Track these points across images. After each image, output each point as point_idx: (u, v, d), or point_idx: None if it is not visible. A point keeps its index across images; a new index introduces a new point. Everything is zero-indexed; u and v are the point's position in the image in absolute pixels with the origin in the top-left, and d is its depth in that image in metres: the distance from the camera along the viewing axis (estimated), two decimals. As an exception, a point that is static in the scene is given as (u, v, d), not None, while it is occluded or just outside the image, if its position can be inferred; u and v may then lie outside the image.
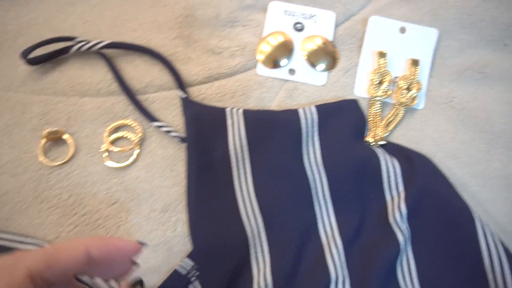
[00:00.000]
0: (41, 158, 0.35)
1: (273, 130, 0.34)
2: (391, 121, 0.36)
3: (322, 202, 0.33)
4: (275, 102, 0.37)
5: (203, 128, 0.34)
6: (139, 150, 0.35)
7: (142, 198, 0.34)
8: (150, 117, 0.35)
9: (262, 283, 0.30)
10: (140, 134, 0.35)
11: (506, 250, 0.30)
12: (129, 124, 0.36)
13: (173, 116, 0.36)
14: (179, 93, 0.36)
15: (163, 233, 0.33)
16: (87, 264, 0.19)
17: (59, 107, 0.36)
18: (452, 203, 0.31)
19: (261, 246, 0.32)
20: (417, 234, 0.32)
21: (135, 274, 0.22)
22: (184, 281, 0.31)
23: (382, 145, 0.35)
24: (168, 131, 0.35)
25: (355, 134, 0.35)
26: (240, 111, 0.35)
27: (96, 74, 0.37)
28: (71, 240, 0.20)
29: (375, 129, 0.36)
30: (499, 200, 0.34)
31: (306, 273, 0.31)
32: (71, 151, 0.35)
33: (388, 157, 0.34)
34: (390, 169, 0.33)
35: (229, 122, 0.35)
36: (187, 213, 0.32)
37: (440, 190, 0.32)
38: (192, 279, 0.32)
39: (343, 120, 0.35)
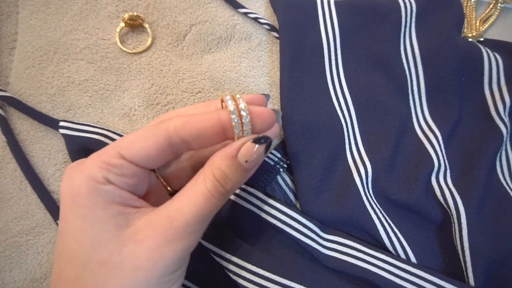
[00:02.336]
0: (120, 44, 0.33)
1: (369, 19, 0.32)
2: (487, 18, 0.34)
3: (416, 96, 0.32)
4: (364, -4, 0.35)
5: (295, 17, 0.32)
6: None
7: (227, 88, 0.32)
8: (236, 4, 0.33)
9: (362, 171, 0.29)
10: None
11: None
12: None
13: (257, 8, 0.34)
14: (266, -20, 0.34)
15: (250, 125, 0.32)
16: (219, 131, 0.21)
17: (136, -7, 0.34)
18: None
19: (355, 138, 0.31)
20: (518, 128, 0.31)
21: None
22: (273, 171, 0.30)
23: (480, 41, 0.33)
24: (256, 18, 0.33)
25: (454, 28, 0.33)
26: (332, 1, 0.33)
27: (175, -41, 0.34)
28: (207, 109, 0.23)
29: (470, 27, 0.34)
30: None
31: (407, 161, 0.30)
32: (150, 39, 0.33)
33: (489, 51, 0.32)
34: (493, 63, 0.31)
35: (320, 12, 0.33)
36: (280, 101, 0.31)
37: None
38: (281, 170, 0.31)
39: (442, 12, 0.33)
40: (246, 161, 0.21)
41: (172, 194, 0.24)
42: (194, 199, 0.20)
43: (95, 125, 0.30)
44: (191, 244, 0.20)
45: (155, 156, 0.20)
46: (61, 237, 0.20)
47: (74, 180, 0.19)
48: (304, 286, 0.25)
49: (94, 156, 0.20)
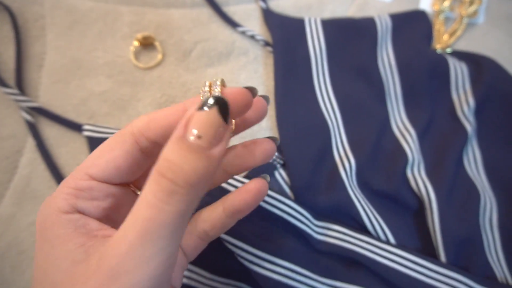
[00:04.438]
0: (134, 60, 0.38)
1: (350, 35, 0.37)
2: (454, 32, 0.39)
3: (393, 100, 0.37)
4: (347, 15, 0.40)
5: (286, 34, 0.37)
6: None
7: (229, 97, 0.37)
8: (235, 24, 0.38)
9: (347, 165, 0.34)
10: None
11: None
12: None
13: (253, 26, 0.39)
14: (261, 3, 0.39)
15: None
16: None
17: (147, 17, 0.39)
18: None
19: (340, 137, 0.35)
20: (483, 127, 0.36)
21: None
22: (271, 167, 0.35)
23: (449, 53, 0.38)
24: (253, 35, 0.38)
25: (424, 41, 0.38)
26: (318, 20, 0.38)
27: (181, -14, 0.40)
28: (171, 107, 0.18)
29: (440, 39, 0.39)
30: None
31: (385, 156, 0.34)
32: (160, 55, 0.38)
33: (456, 60, 0.37)
34: (458, 71, 0.36)
35: (307, 29, 0.38)
36: (275, 106, 0.35)
37: (506, 87, 0.35)
38: (278, 165, 0.35)
39: (414, 28, 0.38)
40: (199, 137, 0.14)
41: None
42: (135, 214, 0.15)
43: (114, 128, 0.35)
44: (153, 275, 0.15)
45: (127, 166, 0.18)
46: (35, 269, 0.18)
47: (42, 213, 0.18)
48: (302, 267, 0.29)
49: (62, 184, 0.18)
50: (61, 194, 0.17)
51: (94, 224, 0.18)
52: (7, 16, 0.38)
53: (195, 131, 0.14)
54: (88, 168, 0.18)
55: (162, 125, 0.18)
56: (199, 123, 0.14)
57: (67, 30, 0.39)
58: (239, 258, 0.29)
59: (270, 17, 0.38)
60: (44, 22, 0.39)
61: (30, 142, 0.35)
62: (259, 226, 0.31)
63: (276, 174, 0.35)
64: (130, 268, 0.14)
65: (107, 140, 0.18)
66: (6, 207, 0.34)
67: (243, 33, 0.38)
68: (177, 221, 0.15)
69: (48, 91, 0.37)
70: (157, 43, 0.38)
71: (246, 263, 0.29)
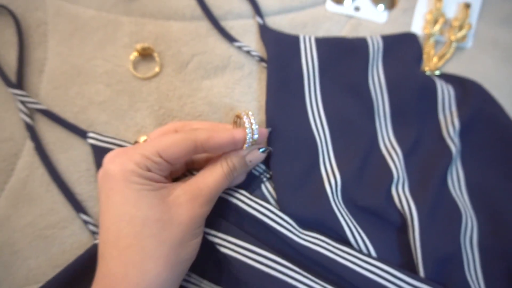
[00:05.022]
0: (133, 70, 0.39)
1: (343, 54, 0.39)
2: (443, 55, 0.41)
3: (382, 118, 0.38)
4: (341, 35, 0.41)
5: (281, 50, 0.38)
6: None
7: (223, 112, 0.38)
8: (231, 38, 0.40)
9: (332, 181, 0.35)
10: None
11: None
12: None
13: (249, 41, 0.41)
14: (258, 19, 0.40)
15: (241, 141, 0.38)
16: (232, 145, 0.29)
17: (147, 28, 0.40)
18: (502, 122, 0.36)
19: (328, 153, 0.37)
20: (467, 148, 0.37)
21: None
22: (257, 180, 0.36)
23: (437, 75, 0.40)
24: (248, 51, 0.39)
25: (414, 62, 0.39)
26: (313, 38, 0.39)
27: (181, 0, 0.41)
28: (223, 129, 0.30)
29: (429, 62, 0.40)
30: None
31: (371, 173, 0.35)
32: (158, 66, 0.39)
33: (443, 83, 0.38)
34: (445, 93, 0.38)
35: (302, 47, 0.39)
36: (265, 120, 0.37)
37: (491, 110, 0.37)
38: (264, 179, 0.36)
39: (404, 49, 0.39)
40: (250, 161, 0.31)
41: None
42: (216, 177, 0.29)
43: (117, 138, 0.36)
44: (209, 209, 0.29)
45: (183, 159, 0.29)
46: (117, 205, 0.26)
47: (125, 164, 0.26)
48: (286, 260, 0.31)
49: (137, 150, 0.27)
50: (140, 158, 0.26)
51: (163, 179, 0.29)
52: (10, 20, 0.39)
53: (250, 158, 0.31)
54: (161, 150, 0.27)
55: (216, 144, 0.28)
56: (255, 157, 0.32)
57: (68, 37, 0.40)
58: (221, 248, 0.31)
59: (266, 33, 0.40)
60: (46, 28, 0.40)
61: (28, 146, 0.36)
62: (246, 228, 0.32)
63: (263, 187, 0.36)
64: (208, 202, 0.29)
65: (174, 137, 0.28)
66: (0, 208, 0.35)
67: (239, 48, 0.40)
68: (224, 189, 0.31)
69: (48, 97, 0.38)
70: (155, 54, 0.39)
71: (228, 252, 0.30)
